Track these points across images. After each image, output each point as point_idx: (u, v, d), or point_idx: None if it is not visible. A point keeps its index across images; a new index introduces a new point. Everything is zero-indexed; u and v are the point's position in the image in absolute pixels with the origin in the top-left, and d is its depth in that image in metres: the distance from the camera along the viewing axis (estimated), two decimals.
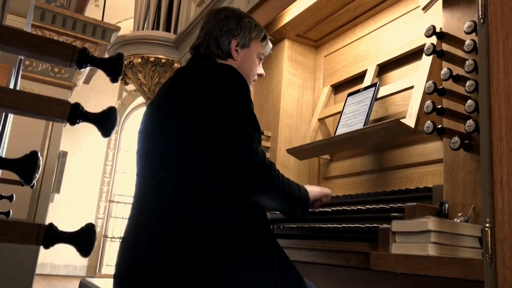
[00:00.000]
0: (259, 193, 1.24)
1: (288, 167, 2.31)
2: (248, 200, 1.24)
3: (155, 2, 4.27)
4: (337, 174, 2.19)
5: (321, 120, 2.27)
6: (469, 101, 1.25)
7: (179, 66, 3.89)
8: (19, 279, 4.70)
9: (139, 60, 3.95)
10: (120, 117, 10.14)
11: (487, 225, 0.93)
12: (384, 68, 2.03)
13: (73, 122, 0.73)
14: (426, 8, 1.59)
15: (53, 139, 5.28)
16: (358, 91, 2.00)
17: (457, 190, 1.36)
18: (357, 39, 2.24)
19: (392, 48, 1.99)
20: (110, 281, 1.24)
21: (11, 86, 2.18)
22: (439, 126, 1.33)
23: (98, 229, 9.11)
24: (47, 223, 0.69)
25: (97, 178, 9.85)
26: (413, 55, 1.87)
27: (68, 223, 4.93)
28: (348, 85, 2.24)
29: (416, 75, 1.73)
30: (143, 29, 4.25)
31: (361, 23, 2.24)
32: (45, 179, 5.10)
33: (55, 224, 0.69)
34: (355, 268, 1.44)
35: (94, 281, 3.08)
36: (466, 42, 1.29)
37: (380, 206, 1.56)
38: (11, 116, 2.43)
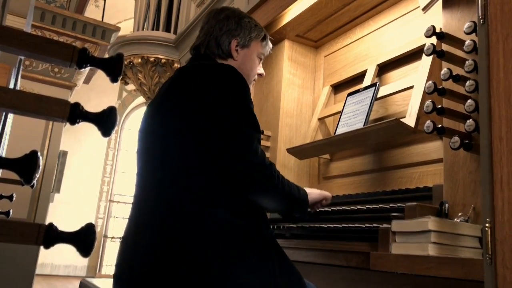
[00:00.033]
0: (258, 193, 1.24)
1: (288, 166, 2.31)
2: (248, 200, 1.24)
3: (155, 2, 4.27)
4: (337, 173, 2.19)
5: (321, 119, 2.27)
6: (469, 101, 1.25)
7: (179, 66, 3.89)
8: (19, 279, 4.70)
9: (139, 60, 3.95)
10: (120, 116, 10.14)
11: (487, 225, 0.93)
12: (384, 68, 2.03)
13: (73, 122, 0.73)
14: (426, 8, 1.59)
15: (53, 138, 5.28)
16: (358, 91, 2.00)
17: (457, 190, 1.36)
18: (357, 39, 2.24)
19: (392, 48, 1.99)
20: (110, 281, 1.24)
21: (11, 86, 2.19)
22: (439, 125, 1.33)
23: (98, 229, 9.13)
24: (47, 223, 0.69)
25: (97, 178, 9.85)
26: (413, 55, 1.87)
27: (68, 223, 4.93)
28: (348, 85, 2.24)
29: (416, 75, 1.73)
30: (143, 29, 4.25)
31: (361, 24, 2.24)
32: (45, 178, 5.10)
33: (55, 224, 0.69)
34: (355, 268, 1.44)
35: (94, 281, 3.09)
36: (466, 42, 1.29)
37: (380, 206, 1.56)
38: (11, 116, 2.43)
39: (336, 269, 1.79)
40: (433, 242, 1.14)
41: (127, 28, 7.48)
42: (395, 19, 2.02)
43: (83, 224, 0.71)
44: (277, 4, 2.32)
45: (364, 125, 1.83)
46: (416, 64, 1.84)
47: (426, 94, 1.40)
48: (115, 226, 9.61)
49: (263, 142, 2.34)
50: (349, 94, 2.05)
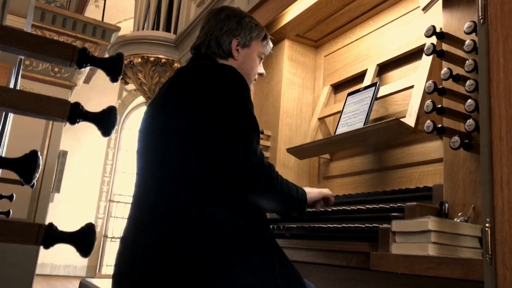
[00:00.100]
0: (257, 193, 1.24)
1: (288, 166, 2.31)
2: (248, 200, 1.24)
3: (155, 2, 4.27)
4: (337, 173, 2.19)
5: (321, 119, 2.27)
6: (469, 100, 1.25)
7: (179, 65, 3.89)
8: (19, 279, 4.70)
9: (139, 60, 3.95)
10: (120, 116, 10.14)
11: (487, 225, 0.93)
12: (384, 68, 2.03)
13: (73, 122, 0.73)
14: (426, 8, 1.59)
15: (53, 138, 5.28)
16: (358, 91, 2.00)
17: (457, 190, 1.36)
18: (357, 39, 2.24)
19: (392, 48, 1.99)
20: (110, 281, 1.24)
21: (11, 85, 2.18)
22: (439, 125, 1.33)
23: (98, 229, 9.13)
24: (47, 222, 0.69)
25: (97, 178, 9.85)
26: (413, 55, 1.87)
27: (68, 222, 4.94)
28: (348, 84, 2.24)
29: (416, 75, 1.73)
30: (143, 29, 4.25)
31: (361, 24, 2.24)
32: (45, 178, 5.11)
33: (55, 223, 0.69)
34: (355, 268, 1.44)
35: (94, 281, 3.08)
36: (466, 42, 1.29)
37: (380, 205, 1.56)
38: (11, 116, 2.43)
39: (336, 269, 1.79)
40: (433, 242, 1.14)
41: (127, 28, 7.48)
42: (395, 19, 2.02)
43: (83, 224, 0.71)
44: (277, 4, 2.32)
45: (364, 124, 1.83)
46: (416, 64, 1.84)
47: (426, 94, 1.40)
48: (115, 226, 9.61)
49: (263, 142, 2.34)
50: (349, 94, 2.05)
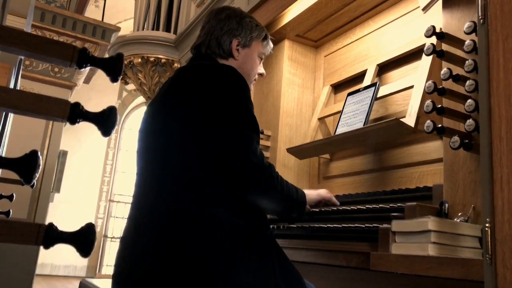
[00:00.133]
0: (257, 194, 1.24)
1: (288, 166, 2.31)
2: (248, 200, 1.24)
3: (155, 2, 4.27)
4: (337, 173, 2.19)
5: (321, 119, 2.27)
6: (469, 100, 1.25)
7: (179, 66, 3.89)
8: (19, 279, 4.70)
9: (139, 60, 3.95)
10: (120, 116, 10.14)
11: (487, 225, 0.93)
12: (384, 68, 2.03)
13: (73, 122, 0.72)
14: (426, 8, 1.59)
15: (53, 138, 5.28)
16: (358, 91, 2.00)
17: (457, 190, 1.36)
18: (357, 39, 2.24)
19: (392, 48, 1.99)
20: (110, 282, 1.24)
21: (11, 85, 2.18)
22: (439, 125, 1.33)
23: (98, 229, 9.12)
24: (47, 222, 0.69)
25: (97, 178, 9.85)
26: (413, 55, 1.87)
27: (68, 222, 4.93)
28: (348, 84, 2.24)
29: (416, 75, 1.73)
30: (143, 29, 4.25)
31: (361, 24, 2.24)
32: (45, 178, 5.10)
33: (55, 223, 0.69)
34: (355, 268, 1.44)
35: (94, 281, 3.08)
36: (466, 42, 1.29)
37: (380, 205, 1.56)
38: (11, 116, 2.43)
39: (336, 269, 1.79)
40: (433, 242, 1.14)
41: (127, 28, 7.48)
42: (395, 19, 2.02)
43: (83, 224, 0.71)
44: (277, 4, 2.32)
45: (364, 124, 1.83)
46: (416, 64, 1.84)
47: (426, 94, 1.40)
48: (115, 226, 9.60)
49: (263, 142, 2.34)
50: (349, 94, 2.05)
